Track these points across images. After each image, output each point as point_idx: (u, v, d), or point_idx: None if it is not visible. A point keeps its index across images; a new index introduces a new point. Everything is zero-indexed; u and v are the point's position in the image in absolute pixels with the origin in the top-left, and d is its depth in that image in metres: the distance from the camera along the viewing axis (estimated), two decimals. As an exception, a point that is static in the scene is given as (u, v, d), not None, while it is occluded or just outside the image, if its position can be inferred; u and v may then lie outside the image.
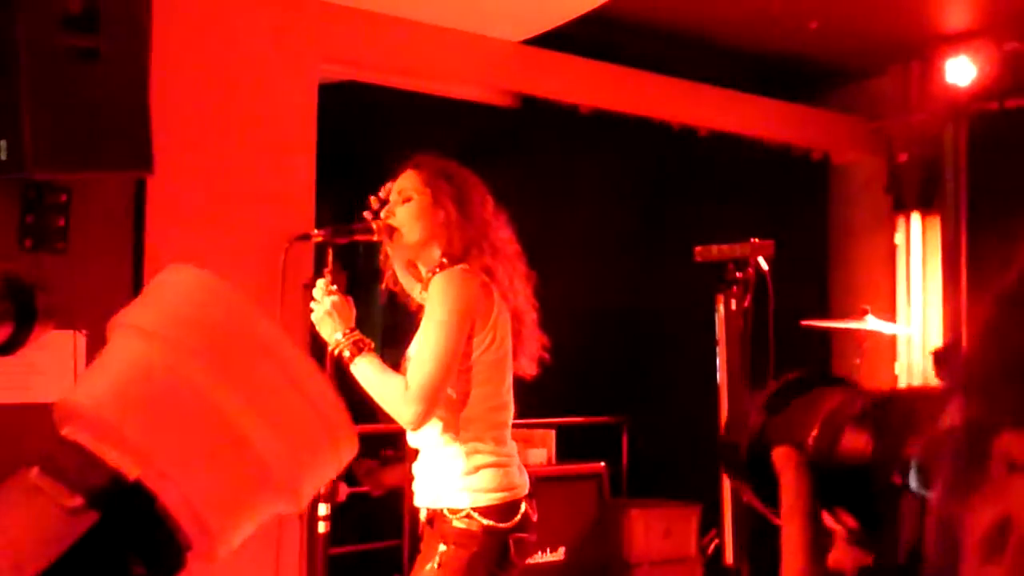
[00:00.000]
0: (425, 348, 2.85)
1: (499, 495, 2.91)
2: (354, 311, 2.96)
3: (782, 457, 0.83)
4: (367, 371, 2.88)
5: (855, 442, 0.90)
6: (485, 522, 2.87)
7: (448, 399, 2.90)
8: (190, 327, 0.94)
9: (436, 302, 2.88)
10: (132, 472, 0.89)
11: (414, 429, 2.90)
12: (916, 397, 0.97)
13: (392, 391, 2.85)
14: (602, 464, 5.77)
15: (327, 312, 2.91)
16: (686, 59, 6.38)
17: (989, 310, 0.67)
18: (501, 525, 2.88)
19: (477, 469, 2.91)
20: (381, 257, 3.20)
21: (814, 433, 0.94)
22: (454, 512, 2.88)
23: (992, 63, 6.21)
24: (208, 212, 4.48)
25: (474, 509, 2.87)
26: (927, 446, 0.67)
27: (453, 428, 2.92)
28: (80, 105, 3.53)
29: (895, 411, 0.77)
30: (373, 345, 2.92)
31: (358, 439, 0.98)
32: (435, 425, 2.92)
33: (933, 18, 6.18)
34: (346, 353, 2.88)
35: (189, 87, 4.44)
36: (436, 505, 2.93)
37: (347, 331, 2.90)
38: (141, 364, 0.93)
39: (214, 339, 0.93)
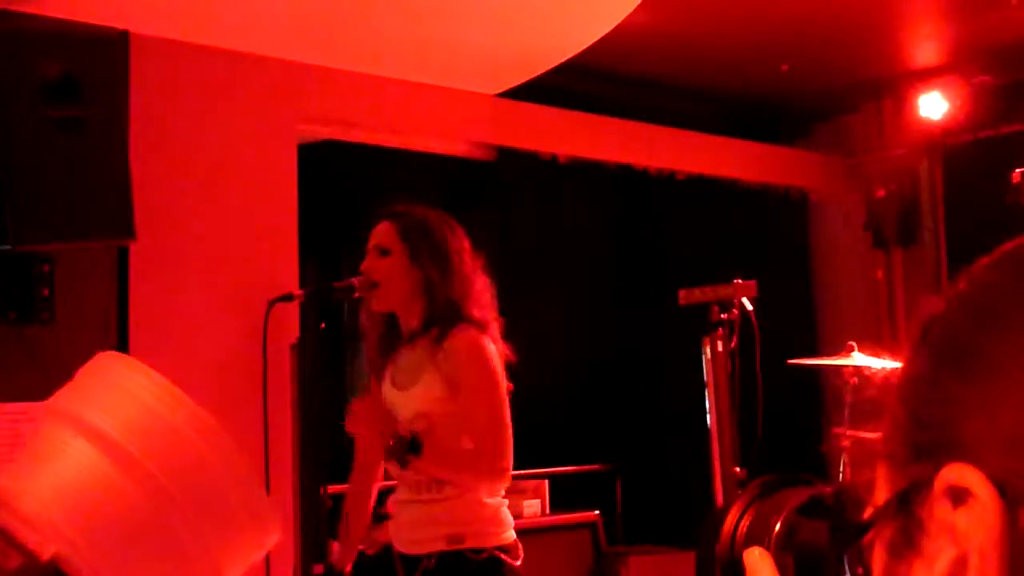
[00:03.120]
0: (492, 410, 2.91)
1: (512, 533, 3.00)
2: (381, 407, 2.97)
3: (750, 558, 0.84)
4: (431, 467, 2.90)
5: (812, 534, 0.91)
6: (506, 558, 2.93)
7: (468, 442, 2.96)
8: (133, 431, 0.95)
9: (477, 362, 2.93)
10: (47, 552, 0.89)
11: (500, 488, 2.96)
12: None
13: (469, 464, 2.92)
14: (596, 513, 5.75)
15: (363, 424, 2.92)
16: (662, 105, 6.44)
17: (894, 387, 0.68)
18: (516, 563, 2.97)
19: (495, 509, 2.98)
20: (363, 316, 3.20)
21: (776, 530, 0.96)
22: (476, 552, 2.90)
23: (963, 97, 6.29)
24: (191, 276, 4.48)
25: (496, 547, 2.93)
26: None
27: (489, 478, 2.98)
28: (61, 175, 3.53)
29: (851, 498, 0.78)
30: (410, 440, 2.88)
31: (279, 527, 0.99)
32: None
33: (904, 55, 6.26)
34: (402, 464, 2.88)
35: (169, 152, 4.45)
36: (454, 546, 2.93)
37: (388, 444, 2.87)
38: (90, 475, 0.93)
39: (153, 440, 0.94)
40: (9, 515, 0.93)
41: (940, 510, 0.61)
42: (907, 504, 0.63)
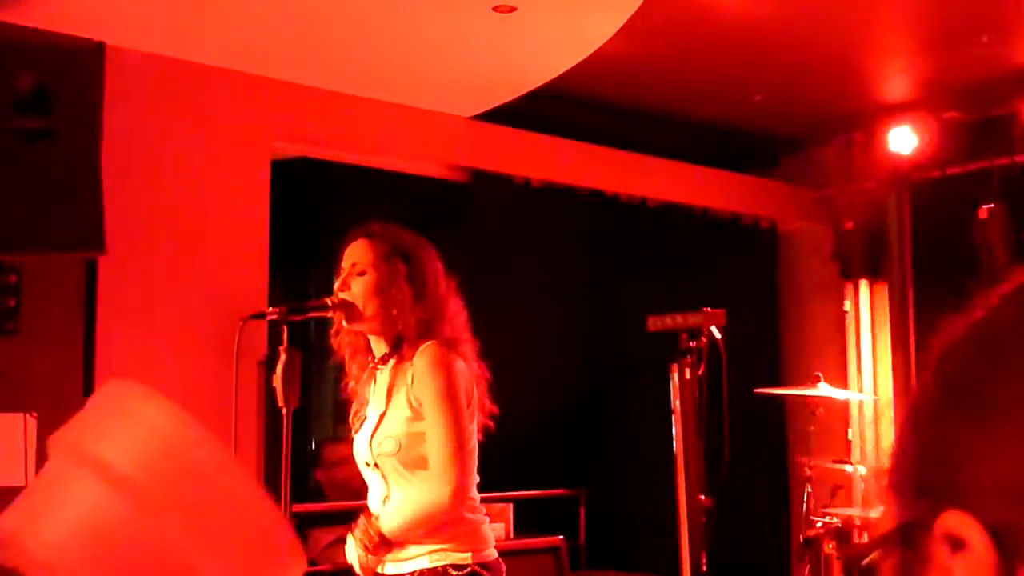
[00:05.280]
0: (446, 429, 2.87)
1: (493, 551, 3.00)
2: (371, 531, 2.96)
3: None
4: (402, 533, 2.92)
5: None
6: (487, 575, 2.94)
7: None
8: (150, 469, 0.93)
9: (436, 377, 2.89)
10: None
11: (457, 506, 2.89)
12: None
13: (427, 512, 2.89)
14: (560, 537, 5.74)
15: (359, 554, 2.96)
16: (634, 132, 6.48)
17: (906, 412, 0.68)
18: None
19: (477, 525, 2.98)
20: (332, 332, 3.19)
21: None
22: (459, 568, 2.90)
23: (932, 132, 6.36)
24: (161, 291, 4.46)
25: (478, 563, 2.93)
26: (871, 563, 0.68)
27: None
28: (32, 186, 3.52)
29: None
30: (377, 532, 2.93)
31: (305, 559, 0.98)
32: (426, 490, 2.94)
33: (874, 90, 6.33)
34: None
35: (141, 166, 4.44)
36: (435, 564, 2.92)
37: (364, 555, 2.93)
38: (105, 516, 0.91)
39: (174, 481, 0.92)
40: (18, 557, 0.91)
41: (939, 553, 0.61)
42: (909, 539, 0.63)
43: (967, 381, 0.64)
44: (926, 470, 0.64)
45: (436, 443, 2.89)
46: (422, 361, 2.94)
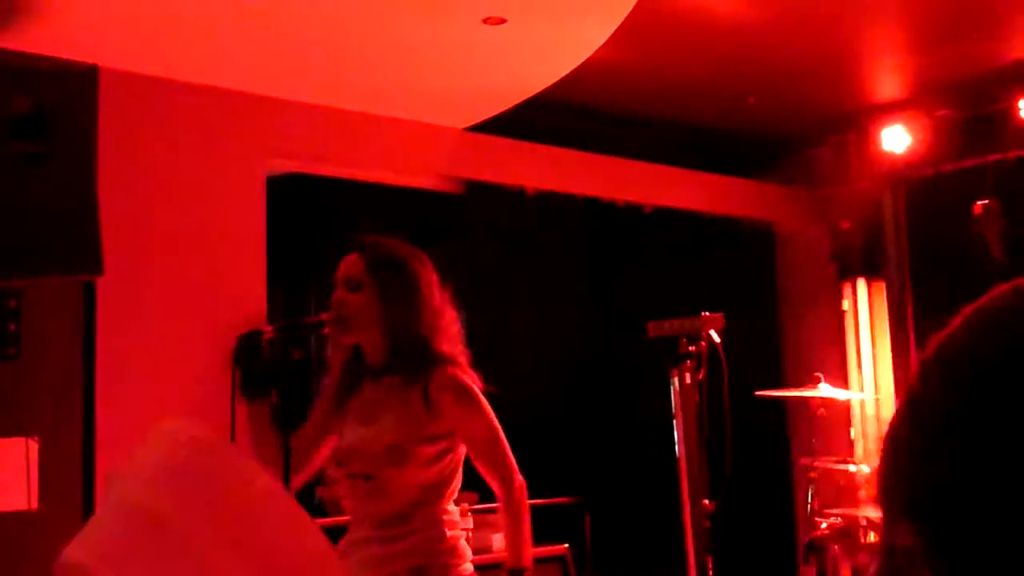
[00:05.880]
0: (495, 434, 3.03)
1: (471, 565, 3.02)
2: None
3: None
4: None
5: None
6: None
7: (439, 478, 3.00)
8: (197, 508, 0.94)
9: (472, 395, 3.01)
10: None
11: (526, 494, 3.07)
12: None
13: (521, 515, 3.05)
14: (565, 545, 5.74)
15: None
16: (629, 138, 6.49)
17: (894, 426, 0.69)
18: None
19: (455, 540, 3.00)
20: (329, 347, 3.20)
21: None
22: (456, 561, 2.91)
23: (925, 130, 6.38)
24: (159, 311, 4.46)
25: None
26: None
27: (439, 505, 3.01)
28: (28, 209, 3.52)
29: None
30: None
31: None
32: (413, 503, 2.95)
33: (867, 90, 6.35)
34: None
35: (137, 186, 4.45)
36: (431, 560, 2.93)
37: None
38: (160, 549, 0.92)
39: (216, 504, 0.93)
40: None
41: None
42: (894, 562, 0.64)
43: (953, 414, 0.65)
44: (912, 493, 0.65)
45: (493, 449, 3.02)
46: (445, 384, 2.99)
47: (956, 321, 0.68)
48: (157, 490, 0.95)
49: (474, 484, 3.22)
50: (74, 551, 0.96)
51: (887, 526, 0.67)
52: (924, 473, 0.64)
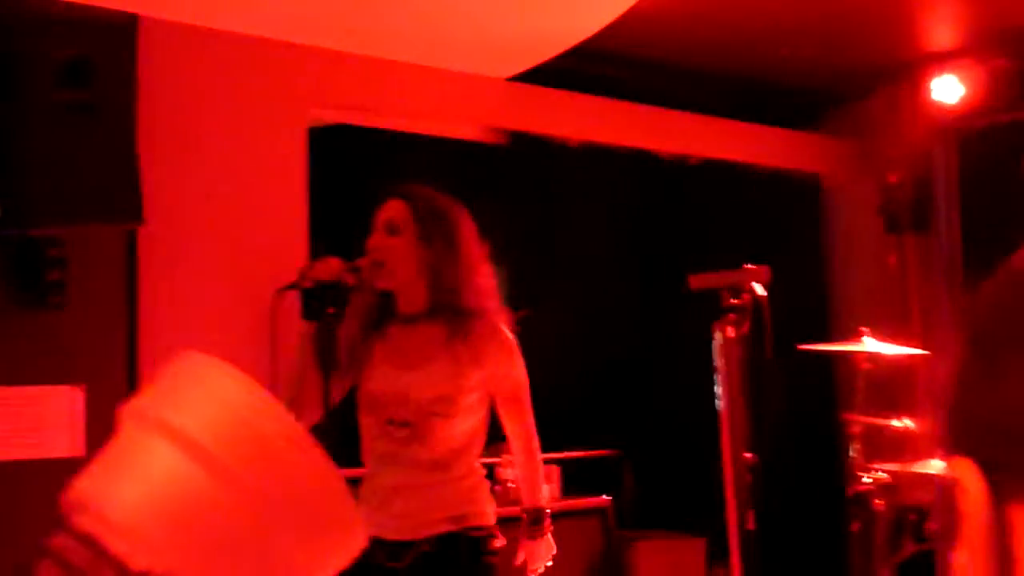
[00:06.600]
0: (526, 387, 3.17)
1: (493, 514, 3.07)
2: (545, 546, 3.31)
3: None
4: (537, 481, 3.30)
5: None
6: (499, 535, 3.04)
7: (475, 427, 3.05)
8: (225, 440, 0.92)
9: (512, 347, 3.10)
10: (139, 564, 0.88)
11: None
12: None
13: (538, 460, 3.29)
14: (607, 498, 5.74)
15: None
16: (673, 88, 6.40)
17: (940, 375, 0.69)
18: (504, 541, 3.06)
19: (488, 488, 3.09)
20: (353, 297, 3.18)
21: None
22: (477, 530, 2.93)
23: (979, 81, 6.24)
24: (200, 261, 4.48)
25: (491, 524, 3.03)
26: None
27: (474, 453, 3.06)
28: (71, 158, 3.53)
29: None
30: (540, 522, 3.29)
31: (366, 532, 0.98)
32: (454, 451, 2.96)
33: (919, 39, 6.22)
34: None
35: (178, 136, 4.45)
36: (456, 526, 2.94)
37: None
38: (181, 483, 0.91)
39: (246, 450, 0.92)
40: (98, 522, 0.90)
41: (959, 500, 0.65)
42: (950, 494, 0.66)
43: (983, 341, 0.67)
44: (954, 428, 0.67)
45: (522, 401, 3.16)
46: (488, 335, 3.03)
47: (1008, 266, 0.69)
48: (178, 427, 0.94)
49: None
50: (86, 485, 0.95)
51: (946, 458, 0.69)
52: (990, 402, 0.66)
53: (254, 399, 0.96)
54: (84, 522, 0.92)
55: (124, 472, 0.96)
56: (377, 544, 2.93)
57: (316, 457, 0.95)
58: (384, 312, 3.13)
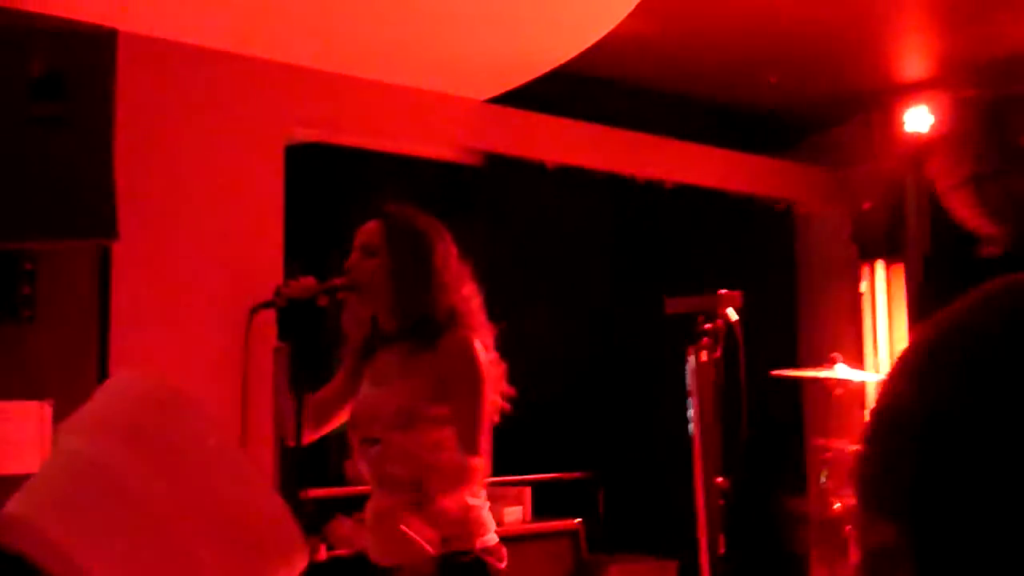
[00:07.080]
0: (474, 407, 2.92)
1: (494, 535, 3.00)
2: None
3: None
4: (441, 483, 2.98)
5: None
6: (491, 560, 2.94)
7: (445, 442, 2.96)
8: (142, 447, 0.92)
9: (469, 364, 2.94)
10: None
11: (485, 472, 2.97)
12: None
13: (460, 466, 2.93)
14: (578, 520, 5.74)
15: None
16: (651, 113, 6.44)
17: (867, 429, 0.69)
18: (501, 565, 2.96)
19: (479, 510, 2.97)
20: (345, 317, 3.19)
21: None
22: (463, 554, 2.89)
23: (949, 111, 6.31)
24: (175, 277, 4.46)
25: (481, 548, 2.93)
26: None
27: (455, 474, 2.96)
28: (45, 172, 3.51)
29: None
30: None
31: (308, 550, 0.97)
32: (426, 468, 2.93)
33: (892, 69, 6.29)
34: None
35: (154, 152, 4.43)
36: (440, 551, 2.91)
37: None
38: (89, 480, 0.91)
39: (166, 458, 0.91)
40: (22, 539, 0.90)
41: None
42: (875, 561, 0.64)
43: (912, 404, 0.66)
44: (888, 491, 0.66)
45: (469, 418, 2.92)
46: (453, 347, 2.96)
47: (935, 320, 0.69)
48: (107, 444, 0.93)
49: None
50: (17, 505, 0.94)
51: (866, 525, 0.67)
52: (900, 471, 0.64)
53: (182, 413, 0.95)
54: (11, 540, 0.92)
55: (43, 488, 0.96)
56: (372, 569, 2.96)
57: (246, 471, 0.95)
58: (375, 335, 3.15)
